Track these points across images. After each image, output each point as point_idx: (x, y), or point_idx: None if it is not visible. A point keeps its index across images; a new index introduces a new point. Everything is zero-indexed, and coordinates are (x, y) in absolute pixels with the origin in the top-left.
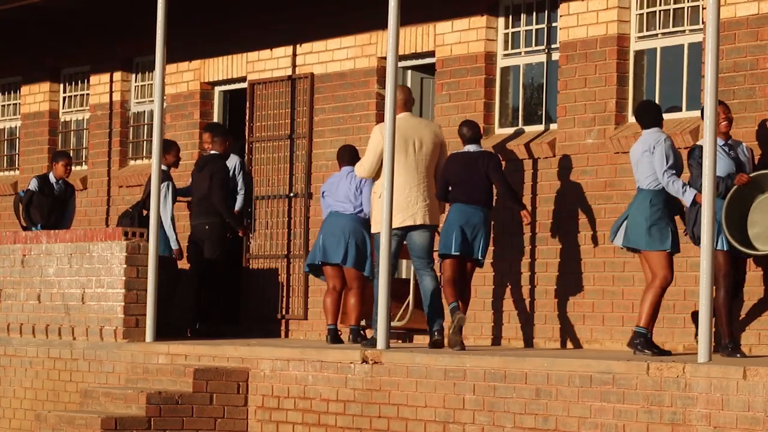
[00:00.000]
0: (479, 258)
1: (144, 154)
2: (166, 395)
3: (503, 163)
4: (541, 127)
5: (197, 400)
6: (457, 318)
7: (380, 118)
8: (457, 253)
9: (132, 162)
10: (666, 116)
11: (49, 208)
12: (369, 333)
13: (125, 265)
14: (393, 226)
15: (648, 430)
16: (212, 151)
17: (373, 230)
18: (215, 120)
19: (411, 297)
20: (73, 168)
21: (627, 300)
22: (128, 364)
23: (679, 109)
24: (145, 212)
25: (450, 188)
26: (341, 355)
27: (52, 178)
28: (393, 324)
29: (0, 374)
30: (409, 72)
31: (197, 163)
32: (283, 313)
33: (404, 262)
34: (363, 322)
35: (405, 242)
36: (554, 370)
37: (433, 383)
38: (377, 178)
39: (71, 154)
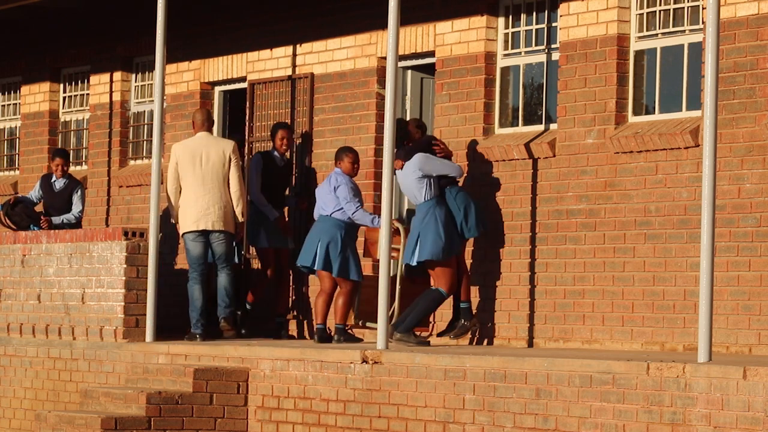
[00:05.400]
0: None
1: (144, 154)
2: (166, 395)
3: (497, 163)
4: (541, 127)
5: (197, 400)
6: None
7: (380, 118)
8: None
9: (132, 162)
10: (666, 116)
11: (47, 204)
12: (357, 332)
13: (125, 265)
14: (188, 230)
15: (648, 430)
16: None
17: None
18: (215, 120)
19: (397, 302)
20: (71, 167)
21: (627, 300)
22: (128, 364)
23: (679, 109)
24: None
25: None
26: (341, 355)
27: (54, 177)
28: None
29: (0, 374)
30: (409, 72)
31: None
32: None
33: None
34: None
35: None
36: (554, 370)
37: (433, 383)
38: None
39: (71, 154)
